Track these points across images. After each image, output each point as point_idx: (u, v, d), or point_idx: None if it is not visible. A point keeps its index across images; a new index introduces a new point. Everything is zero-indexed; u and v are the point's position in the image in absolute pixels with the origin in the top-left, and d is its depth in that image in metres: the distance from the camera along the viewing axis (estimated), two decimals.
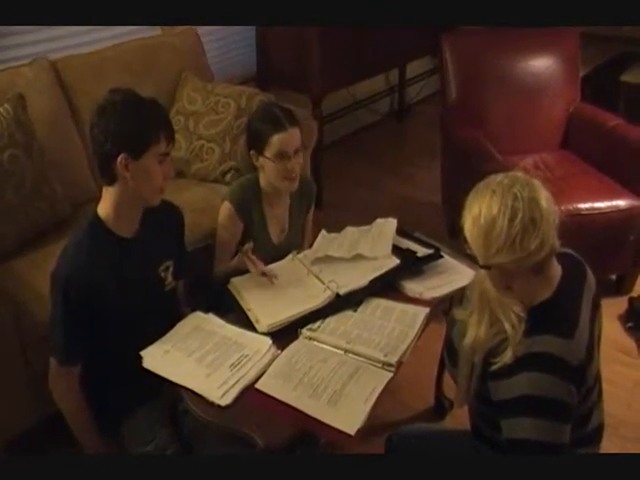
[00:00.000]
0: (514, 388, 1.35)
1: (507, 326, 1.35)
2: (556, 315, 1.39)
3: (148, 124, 1.65)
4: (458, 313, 1.52)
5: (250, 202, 2.16)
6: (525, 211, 1.30)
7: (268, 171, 2.10)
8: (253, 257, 2.00)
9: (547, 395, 1.32)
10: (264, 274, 1.99)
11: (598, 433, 1.55)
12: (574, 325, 1.38)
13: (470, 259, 1.43)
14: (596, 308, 1.51)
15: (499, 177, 1.38)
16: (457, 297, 1.70)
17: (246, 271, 2.02)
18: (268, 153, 2.07)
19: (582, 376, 1.37)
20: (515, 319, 1.35)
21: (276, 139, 2.04)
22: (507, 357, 1.35)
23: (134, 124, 1.64)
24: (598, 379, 1.51)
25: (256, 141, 2.10)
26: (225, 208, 2.15)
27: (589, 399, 1.44)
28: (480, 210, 1.33)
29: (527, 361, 1.34)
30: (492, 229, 1.31)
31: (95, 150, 1.68)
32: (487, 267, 1.37)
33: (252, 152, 2.12)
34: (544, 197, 1.34)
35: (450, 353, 1.60)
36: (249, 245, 2.01)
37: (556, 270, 1.44)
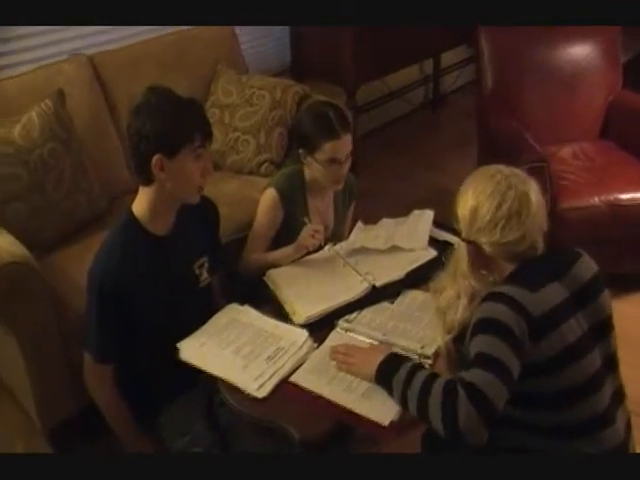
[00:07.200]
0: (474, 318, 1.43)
1: (462, 299, 1.49)
2: (522, 275, 1.46)
3: (181, 123, 1.64)
4: (433, 283, 1.68)
5: (295, 193, 2.15)
6: (514, 202, 1.42)
7: (316, 171, 2.10)
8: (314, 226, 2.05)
9: (494, 317, 1.38)
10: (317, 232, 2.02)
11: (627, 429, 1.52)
12: (539, 286, 1.41)
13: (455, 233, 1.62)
14: (584, 302, 1.47)
15: (502, 166, 1.50)
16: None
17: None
18: (319, 157, 2.06)
19: (542, 331, 1.38)
20: (470, 294, 1.49)
21: (329, 146, 2.03)
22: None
23: (167, 123, 1.62)
24: (619, 390, 1.50)
25: (307, 143, 2.08)
26: (269, 194, 2.13)
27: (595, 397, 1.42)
28: (475, 189, 1.46)
29: (486, 298, 1.42)
30: (480, 208, 1.44)
31: (131, 150, 1.69)
32: (467, 242, 1.50)
33: (301, 151, 2.10)
34: (536, 198, 1.45)
35: None
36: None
37: None
